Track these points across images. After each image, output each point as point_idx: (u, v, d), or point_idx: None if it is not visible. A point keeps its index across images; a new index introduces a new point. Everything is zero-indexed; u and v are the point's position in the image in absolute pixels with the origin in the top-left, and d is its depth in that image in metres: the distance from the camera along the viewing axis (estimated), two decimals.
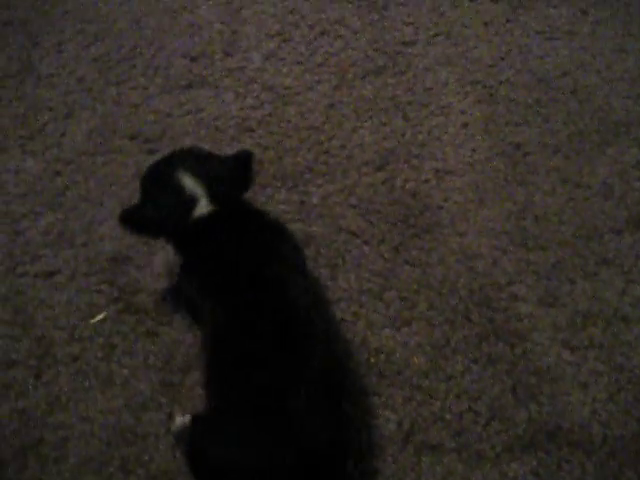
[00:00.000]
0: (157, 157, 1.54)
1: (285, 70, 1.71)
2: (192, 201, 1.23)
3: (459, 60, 1.70)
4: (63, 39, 1.83)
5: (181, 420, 1.28)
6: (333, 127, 1.61)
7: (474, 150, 1.56)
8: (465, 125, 1.60)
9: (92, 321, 1.43)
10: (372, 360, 1.35)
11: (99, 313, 1.43)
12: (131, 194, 1.56)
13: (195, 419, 1.18)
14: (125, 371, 1.37)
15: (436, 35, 1.75)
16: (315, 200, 1.51)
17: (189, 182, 1.23)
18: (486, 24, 1.76)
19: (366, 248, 1.46)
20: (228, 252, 1.22)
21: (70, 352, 1.40)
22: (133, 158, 1.60)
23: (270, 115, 1.64)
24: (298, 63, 1.72)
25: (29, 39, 1.84)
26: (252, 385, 1.10)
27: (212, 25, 1.80)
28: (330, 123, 1.61)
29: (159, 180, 1.27)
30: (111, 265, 1.48)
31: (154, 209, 1.25)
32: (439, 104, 1.63)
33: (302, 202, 1.51)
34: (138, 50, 1.78)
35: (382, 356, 1.35)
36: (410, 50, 1.72)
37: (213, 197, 1.23)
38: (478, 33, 1.75)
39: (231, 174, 1.28)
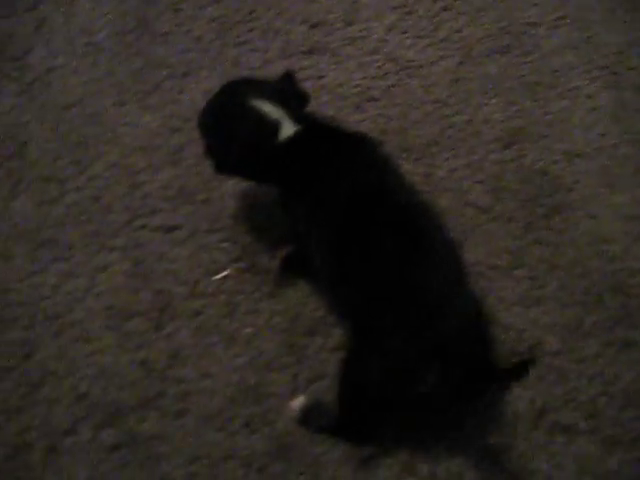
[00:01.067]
0: None
1: (408, 43, 1.69)
2: (275, 125, 1.20)
3: (585, 45, 1.68)
4: None
5: (297, 404, 1.26)
6: (458, 102, 1.59)
7: (602, 135, 1.54)
8: (593, 110, 1.57)
9: (214, 278, 1.41)
10: (502, 336, 1.32)
11: (221, 270, 1.42)
12: None
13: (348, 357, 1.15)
14: (248, 330, 1.35)
15: (561, 18, 1.72)
16: (441, 173, 1.49)
17: (267, 107, 1.21)
18: (611, 10, 1.73)
19: (494, 225, 1.43)
20: (328, 169, 1.19)
21: (192, 307, 1.38)
22: None
23: (393, 86, 1.62)
24: (421, 37, 1.70)
25: None
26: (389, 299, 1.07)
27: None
28: (455, 98, 1.59)
29: (232, 116, 1.24)
30: (233, 224, 1.46)
31: (240, 147, 1.22)
32: (566, 87, 1.61)
33: (428, 174, 1.49)
34: (256, 14, 1.77)
35: (512, 333, 1.32)
36: (535, 31, 1.70)
37: (293, 117, 1.21)
38: (604, 19, 1.72)
39: (289, 93, 1.26)
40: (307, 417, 1.24)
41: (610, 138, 1.53)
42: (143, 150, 1.58)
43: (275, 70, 1.59)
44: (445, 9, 1.74)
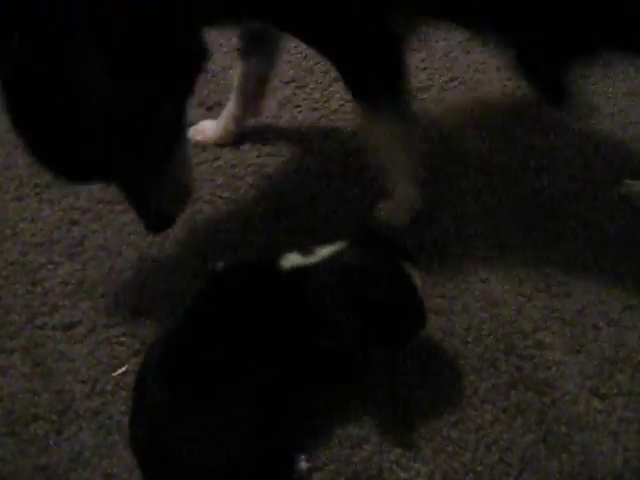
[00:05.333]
0: None
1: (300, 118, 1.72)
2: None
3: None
4: None
5: None
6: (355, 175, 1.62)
7: None
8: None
9: (114, 374, 1.41)
10: (400, 412, 1.33)
11: (121, 366, 1.41)
12: (150, 244, 1.55)
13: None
14: None
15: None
16: None
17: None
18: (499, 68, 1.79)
19: None
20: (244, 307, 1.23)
21: (92, 406, 1.37)
22: None
23: (288, 162, 1.65)
24: (314, 110, 1.73)
25: None
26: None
27: (226, 72, 1.81)
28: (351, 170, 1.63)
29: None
30: (132, 317, 1.46)
31: None
32: None
33: None
34: None
35: (410, 407, 1.33)
36: (425, 96, 1.74)
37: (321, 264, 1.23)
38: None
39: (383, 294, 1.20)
40: None
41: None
42: (42, 245, 1.58)
43: None
44: (336, 79, 1.76)
